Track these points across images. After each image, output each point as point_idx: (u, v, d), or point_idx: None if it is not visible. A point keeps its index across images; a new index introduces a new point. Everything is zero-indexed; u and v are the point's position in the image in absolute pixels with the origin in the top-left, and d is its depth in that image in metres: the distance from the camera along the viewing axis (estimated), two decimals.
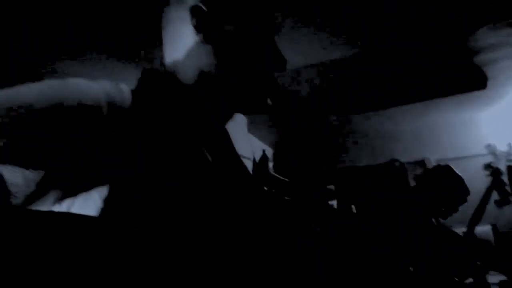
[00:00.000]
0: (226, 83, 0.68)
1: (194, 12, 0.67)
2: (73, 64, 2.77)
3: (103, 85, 0.57)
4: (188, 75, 0.68)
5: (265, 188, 0.78)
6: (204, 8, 0.67)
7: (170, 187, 0.53)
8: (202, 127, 0.68)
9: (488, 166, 4.94)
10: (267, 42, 0.71)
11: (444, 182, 0.73)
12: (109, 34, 2.54)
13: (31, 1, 2.11)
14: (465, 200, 0.74)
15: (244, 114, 0.75)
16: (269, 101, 0.72)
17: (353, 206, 4.00)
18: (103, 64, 2.86)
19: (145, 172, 0.52)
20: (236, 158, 0.74)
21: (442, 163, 0.78)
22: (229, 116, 0.74)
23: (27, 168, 0.48)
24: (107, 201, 0.48)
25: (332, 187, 4.73)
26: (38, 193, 0.49)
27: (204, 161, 0.62)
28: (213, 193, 0.59)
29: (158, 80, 0.68)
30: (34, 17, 2.23)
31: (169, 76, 0.70)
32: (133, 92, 0.61)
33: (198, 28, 0.67)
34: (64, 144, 0.49)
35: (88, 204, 0.48)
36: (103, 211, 0.48)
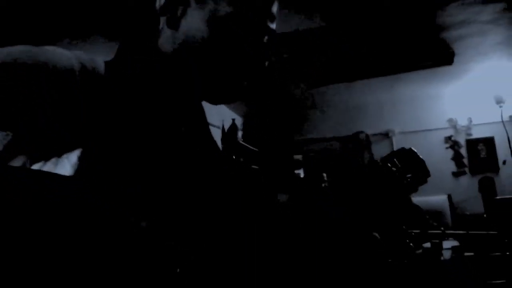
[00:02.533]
0: (211, 56, 0.66)
1: None
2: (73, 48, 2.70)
3: (77, 54, 0.57)
4: (172, 42, 0.66)
5: (234, 157, 0.79)
6: None
7: (140, 155, 0.53)
8: (180, 104, 0.67)
9: (448, 139, 5.18)
10: (260, 29, 0.68)
11: (407, 164, 0.77)
12: (111, 20, 2.46)
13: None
14: (425, 181, 0.78)
15: (213, 103, 0.72)
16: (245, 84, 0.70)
17: (323, 175, 4.09)
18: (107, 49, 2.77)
19: (115, 141, 0.52)
20: (206, 130, 0.74)
21: (406, 147, 0.81)
22: (204, 91, 0.73)
23: None
24: (77, 167, 0.48)
25: (299, 157, 4.82)
26: (5, 155, 0.48)
27: (177, 132, 0.62)
28: (184, 162, 0.59)
29: (135, 51, 0.67)
30: (36, 17, 2.15)
31: (149, 46, 0.68)
32: (108, 62, 0.61)
33: None
34: (35, 105, 0.49)
35: (57, 169, 0.48)
36: (78, 171, 0.48)
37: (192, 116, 0.70)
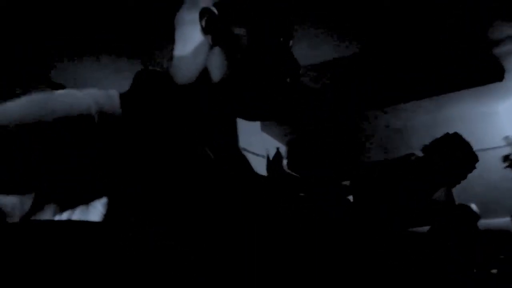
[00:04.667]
0: (231, 87, 0.67)
1: (204, 13, 0.67)
2: (76, 65, 2.78)
3: (92, 94, 0.56)
4: (191, 74, 0.68)
5: (280, 185, 0.78)
6: (214, 10, 0.67)
7: (169, 189, 0.52)
8: (202, 126, 0.67)
9: (506, 158, 4.87)
10: (280, 47, 0.69)
11: (453, 149, 0.72)
12: (115, 34, 2.56)
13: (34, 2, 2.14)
14: (474, 167, 0.73)
15: (248, 119, 0.72)
16: (277, 107, 0.70)
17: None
18: (108, 63, 2.88)
19: (142, 177, 0.51)
20: (239, 155, 0.74)
21: (450, 132, 0.77)
22: (232, 118, 0.73)
23: (20, 192, 0.47)
24: (109, 207, 0.47)
25: (347, 183, 4.70)
26: (34, 209, 0.48)
27: (206, 160, 0.61)
28: (215, 192, 0.58)
29: (151, 81, 0.67)
30: (36, 17, 2.25)
31: (164, 75, 0.69)
32: (124, 95, 0.60)
33: (206, 30, 0.67)
34: (56, 158, 0.48)
35: (89, 211, 0.47)
36: (107, 216, 0.47)
37: (217, 138, 0.70)
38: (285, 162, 4.15)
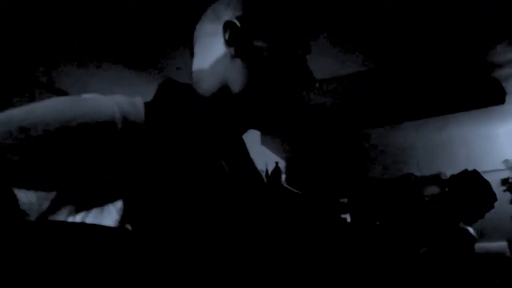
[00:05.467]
0: (250, 98, 0.68)
1: (228, 26, 0.69)
2: (83, 73, 2.80)
3: (117, 100, 0.57)
4: (211, 86, 0.69)
5: (278, 200, 0.78)
6: (238, 23, 0.69)
7: (186, 198, 0.53)
8: (219, 139, 0.68)
9: (505, 181, 4.87)
10: (298, 60, 0.72)
11: (472, 187, 0.72)
12: (121, 43, 2.58)
13: (39, 10, 2.16)
14: (492, 207, 0.72)
15: (265, 132, 0.75)
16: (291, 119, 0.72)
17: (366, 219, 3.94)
18: (116, 73, 2.90)
19: (160, 186, 0.52)
20: (253, 169, 0.74)
21: (470, 169, 0.77)
22: (247, 130, 0.74)
23: (40, 189, 0.48)
24: (123, 213, 0.48)
25: (345, 200, 4.69)
26: (51, 209, 0.49)
27: (222, 173, 0.62)
28: (231, 204, 0.59)
29: (174, 92, 0.69)
30: (42, 25, 2.27)
31: (187, 87, 0.71)
32: (148, 104, 0.61)
33: (229, 42, 0.68)
34: (79, 162, 0.49)
35: (103, 216, 0.48)
36: (120, 222, 0.48)
37: (233, 150, 0.70)
38: (283, 177, 4.15)
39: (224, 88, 0.69)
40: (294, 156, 5.14)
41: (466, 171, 0.74)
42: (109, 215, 0.48)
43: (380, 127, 4.43)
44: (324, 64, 2.99)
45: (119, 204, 0.49)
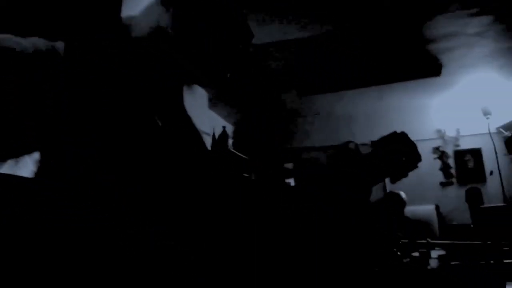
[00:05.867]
0: (182, 47, 0.67)
1: None
2: None
3: (31, 39, 0.55)
4: (141, 33, 0.67)
5: (224, 164, 0.78)
6: None
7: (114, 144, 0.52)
8: (152, 88, 0.66)
9: (436, 150, 5.22)
10: (234, 12, 0.70)
11: (397, 145, 0.76)
12: None
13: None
14: (416, 166, 0.78)
15: (199, 84, 0.74)
16: (228, 74, 0.71)
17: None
18: None
19: (84, 131, 0.50)
20: (188, 123, 0.74)
21: (398, 130, 0.82)
22: (182, 82, 0.73)
23: None
24: (40, 164, 0.47)
25: (289, 165, 4.83)
26: None
27: (152, 125, 0.61)
28: (163, 156, 0.58)
29: (103, 35, 0.66)
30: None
31: (119, 31, 0.68)
32: (69, 46, 0.59)
33: None
34: None
35: (18, 167, 0.46)
36: (37, 174, 0.46)
37: (169, 108, 0.69)
38: (230, 141, 4.18)
39: (157, 34, 0.66)
40: (241, 121, 5.16)
41: (394, 132, 0.78)
42: (24, 166, 0.47)
43: (322, 94, 4.51)
44: (273, 28, 2.98)
45: (36, 155, 0.47)
